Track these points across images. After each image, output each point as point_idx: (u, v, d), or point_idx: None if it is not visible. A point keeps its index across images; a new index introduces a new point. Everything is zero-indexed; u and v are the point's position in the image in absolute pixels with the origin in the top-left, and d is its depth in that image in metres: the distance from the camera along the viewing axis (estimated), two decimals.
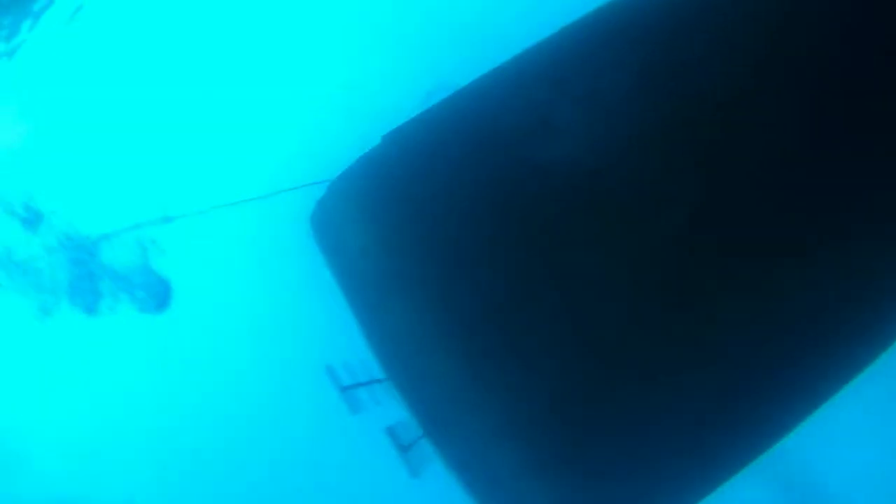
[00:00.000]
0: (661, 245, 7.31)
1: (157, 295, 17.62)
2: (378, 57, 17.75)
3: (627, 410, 7.37)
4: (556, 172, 7.50)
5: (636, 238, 7.32)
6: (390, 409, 8.79)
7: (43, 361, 18.93)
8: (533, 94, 7.70)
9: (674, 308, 7.32)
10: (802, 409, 7.65)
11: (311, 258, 8.95)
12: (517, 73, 7.88)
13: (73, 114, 18.36)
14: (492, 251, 7.52)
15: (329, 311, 9.44)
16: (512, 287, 7.45)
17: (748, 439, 7.64)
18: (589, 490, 7.46)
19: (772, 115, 7.30)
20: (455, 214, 7.65)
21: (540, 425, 7.41)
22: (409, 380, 8.59)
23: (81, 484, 18.04)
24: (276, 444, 18.46)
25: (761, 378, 7.42)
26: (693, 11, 7.58)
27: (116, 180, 17.75)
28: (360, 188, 8.16)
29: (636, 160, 7.42)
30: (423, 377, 8.23)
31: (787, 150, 7.28)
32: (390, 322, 8.29)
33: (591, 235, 7.39)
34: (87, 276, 17.68)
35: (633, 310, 7.31)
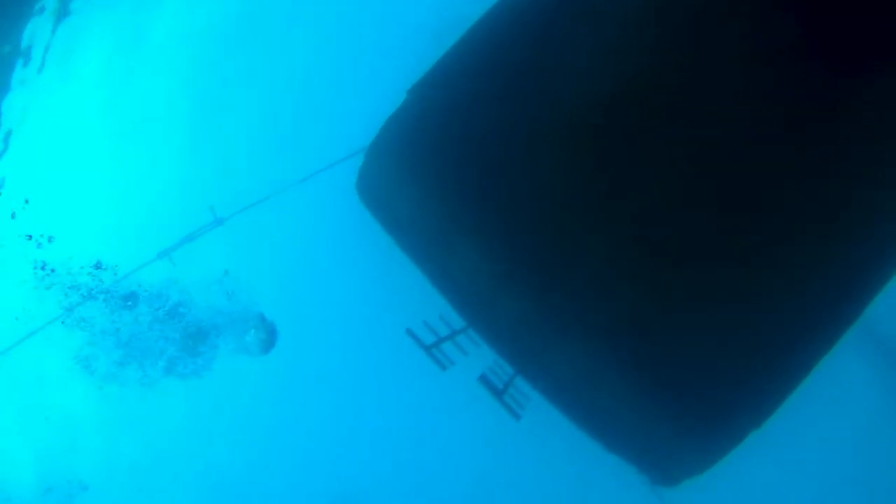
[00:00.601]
0: (708, 156, 7.25)
1: (261, 329, 18.13)
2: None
3: (698, 320, 7.41)
4: (587, 93, 7.43)
5: (682, 151, 7.25)
6: (477, 357, 8.87)
7: (174, 424, 19.36)
8: (546, 26, 7.59)
9: (731, 214, 7.29)
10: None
11: (365, 228, 8.97)
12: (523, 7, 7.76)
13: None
14: (541, 179, 7.45)
15: (397, 276, 9.49)
16: (568, 214, 7.40)
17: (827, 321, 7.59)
18: (681, 398, 7.51)
19: None
20: (496, 151, 7.57)
21: (623, 341, 7.46)
22: (487, 322, 8.65)
23: None
24: (382, 419, 18.67)
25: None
26: None
27: (143, 206, 17.94)
28: (399, 146, 8.11)
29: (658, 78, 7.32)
30: (500, 317, 8.28)
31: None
32: (458, 269, 8.30)
33: (638, 154, 7.29)
34: (193, 334, 18.25)
35: (688, 224, 7.27)
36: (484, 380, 8.82)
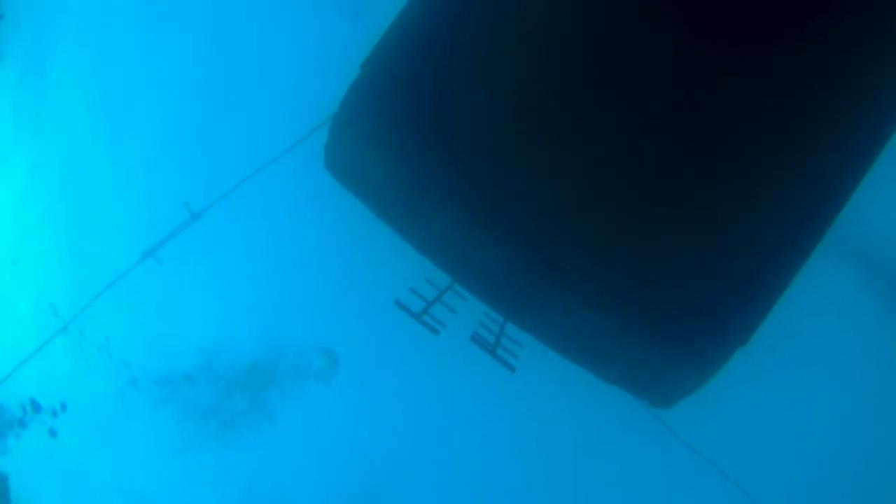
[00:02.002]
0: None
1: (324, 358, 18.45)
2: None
3: (672, 247, 7.61)
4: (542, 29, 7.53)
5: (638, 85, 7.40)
6: (466, 312, 9.03)
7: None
8: None
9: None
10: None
11: (339, 200, 9.05)
12: None
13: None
14: (504, 127, 7.56)
15: (376, 245, 9.60)
16: (533, 158, 7.52)
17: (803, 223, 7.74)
18: (665, 323, 7.74)
19: None
20: (456, 107, 7.64)
21: (602, 275, 7.65)
22: (471, 275, 8.79)
23: None
24: (384, 392, 18.88)
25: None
26: None
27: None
28: (362, 118, 8.11)
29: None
30: (482, 268, 8.42)
31: None
32: (435, 228, 8.39)
33: (595, 94, 7.44)
34: (262, 383, 18.59)
35: (653, 152, 7.46)
36: (476, 338, 8.99)
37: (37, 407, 20.32)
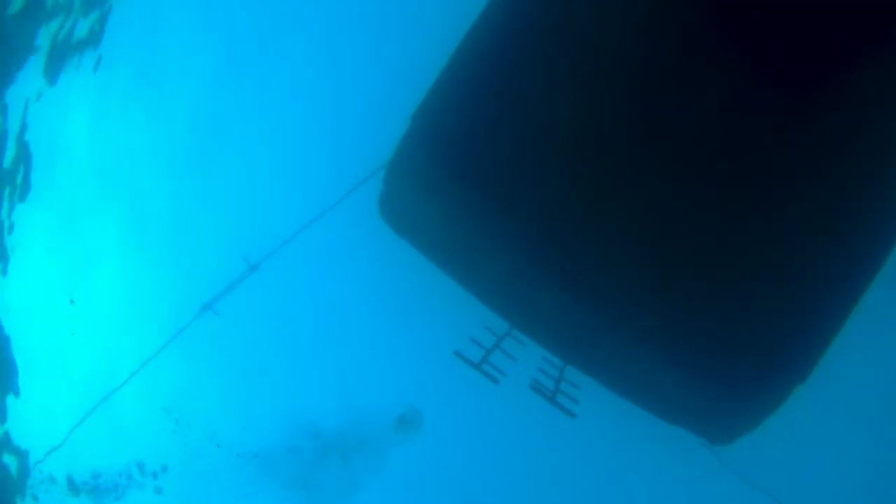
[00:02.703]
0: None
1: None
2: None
3: (729, 291, 7.64)
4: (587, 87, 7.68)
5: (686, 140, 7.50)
6: (525, 360, 9.10)
7: None
8: (543, 31, 7.80)
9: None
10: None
11: (394, 248, 9.22)
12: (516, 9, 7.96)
13: None
14: (557, 177, 7.61)
15: (431, 294, 9.73)
16: (585, 207, 7.56)
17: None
18: (724, 365, 7.74)
19: None
20: (509, 156, 7.68)
21: (662, 321, 7.66)
22: (529, 321, 8.89)
23: None
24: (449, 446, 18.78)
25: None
26: None
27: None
28: (414, 168, 8.20)
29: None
30: (540, 314, 8.50)
31: None
32: (493, 275, 8.48)
33: (643, 149, 7.49)
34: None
35: (703, 202, 7.51)
36: (535, 386, 9.05)
37: (142, 467, 20.74)
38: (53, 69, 17.23)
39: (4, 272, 18.89)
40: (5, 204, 18.05)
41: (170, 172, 18.11)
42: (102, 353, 20.32)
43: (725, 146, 7.43)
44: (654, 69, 7.46)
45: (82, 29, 17.17)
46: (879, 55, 7.31)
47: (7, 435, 19.57)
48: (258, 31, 17.54)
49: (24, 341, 19.57)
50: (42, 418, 19.74)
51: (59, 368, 20.26)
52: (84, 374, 20.14)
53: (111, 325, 20.43)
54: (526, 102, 7.71)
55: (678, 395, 8.32)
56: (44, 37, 16.72)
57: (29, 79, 16.95)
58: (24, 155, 17.90)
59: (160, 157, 17.84)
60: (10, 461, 19.99)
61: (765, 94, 7.35)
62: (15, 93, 16.83)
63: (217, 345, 18.40)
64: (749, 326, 7.64)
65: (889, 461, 16.48)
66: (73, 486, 20.86)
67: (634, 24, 7.52)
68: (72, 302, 20.05)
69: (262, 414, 19.16)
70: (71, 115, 18.22)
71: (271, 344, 17.88)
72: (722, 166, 7.45)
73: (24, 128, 17.46)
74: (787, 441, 15.55)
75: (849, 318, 7.74)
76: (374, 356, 17.32)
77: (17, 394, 19.79)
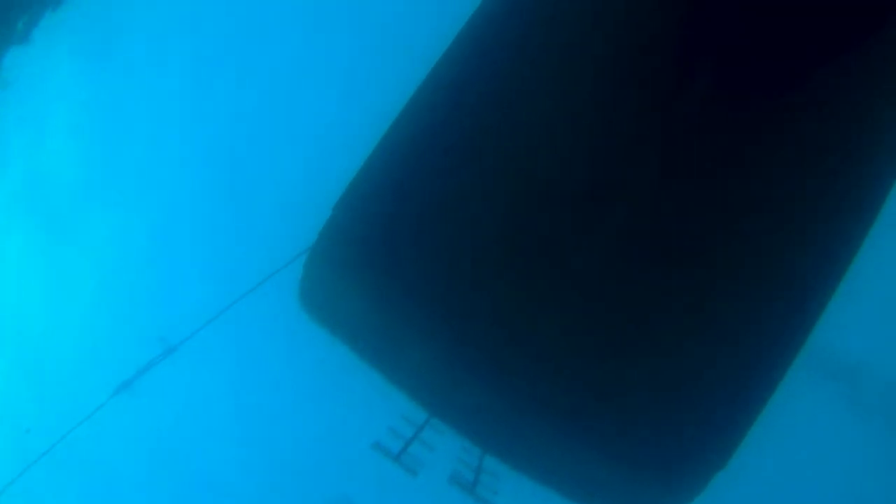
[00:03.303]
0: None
1: None
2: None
3: (647, 380, 7.66)
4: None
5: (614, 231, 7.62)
6: (444, 450, 8.96)
7: None
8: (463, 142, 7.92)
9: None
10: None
11: (314, 338, 9.06)
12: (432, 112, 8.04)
13: None
14: (485, 270, 7.68)
15: (355, 382, 9.58)
16: (514, 300, 7.62)
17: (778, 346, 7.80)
18: (644, 452, 7.73)
19: None
20: (434, 248, 7.75)
21: (579, 409, 7.65)
22: (449, 411, 8.78)
23: None
24: None
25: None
26: None
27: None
28: (335, 257, 8.17)
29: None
30: (460, 405, 8.42)
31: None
32: (414, 366, 8.40)
33: (575, 237, 7.62)
34: None
35: (632, 295, 7.64)
36: (454, 478, 8.92)
37: None
38: None
39: None
40: None
41: (86, 247, 17.77)
42: (13, 430, 19.59)
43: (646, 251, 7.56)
44: (583, 166, 7.66)
45: None
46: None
47: None
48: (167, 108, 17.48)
49: None
50: None
51: None
52: None
53: (23, 401, 19.72)
54: (454, 196, 7.80)
55: (599, 483, 8.27)
56: None
57: None
58: None
59: (77, 236, 17.53)
60: None
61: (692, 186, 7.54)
62: None
63: (131, 426, 17.86)
64: (668, 412, 7.68)
65: None
66: None
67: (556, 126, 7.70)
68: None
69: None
70: None
71: (187, 429, 17.42)
72: (644, 272, 7.60)
73: None
74: None
75: (767, 403, 7.79)
76: (294, 445, 16.95)
77: None
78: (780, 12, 7.62)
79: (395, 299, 7.83)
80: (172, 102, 17.53)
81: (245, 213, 16.23)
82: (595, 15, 7.95)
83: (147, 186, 17.55)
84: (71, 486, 19.28)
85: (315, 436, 16.13)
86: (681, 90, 7.63)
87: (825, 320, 7.90)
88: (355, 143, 8.75)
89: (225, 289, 14.43)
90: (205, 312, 14.17)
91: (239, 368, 16.13)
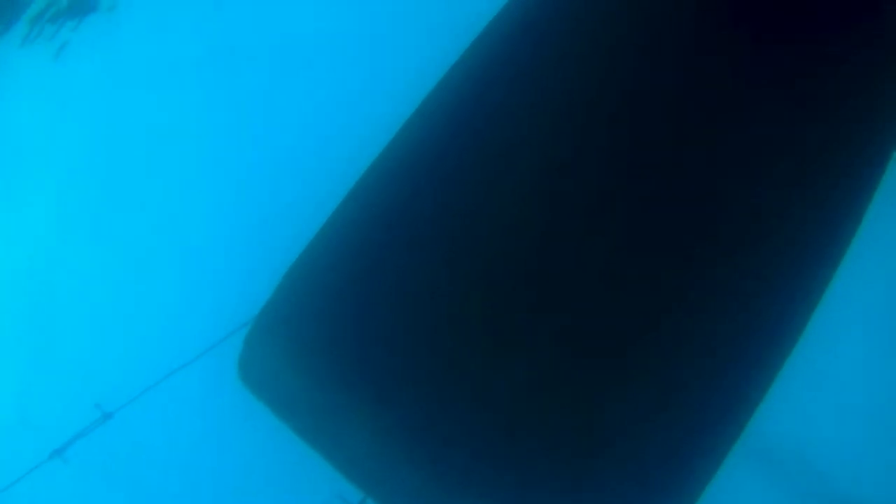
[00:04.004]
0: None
1: None
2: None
3: (596, 468, 7.46)
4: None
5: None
6: None
7: None
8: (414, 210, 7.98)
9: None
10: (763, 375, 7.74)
11: (254, 412, 8.94)
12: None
13: None
14: (420, 353, 7.64)
15: (293, 459, 9.45)
16: (454, 385, 7.56)
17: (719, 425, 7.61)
18: None
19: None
20: (376, 331, 7.73)
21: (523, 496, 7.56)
22: (385, 492, 8.67)
23: None
24: None
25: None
26: None
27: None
28: (275, 334, 8.16)
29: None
30: (397, 486, 8.32)
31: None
32: (351, 444, 8.29)
33: (524, 311, 7.55)
34: None
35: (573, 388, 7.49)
36: None
37: None
38: None
39: None
40: None
41: (20, 306, 17.48)
42: None
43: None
44: (528, 244, 7.66)
45: None
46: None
47: None
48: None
49: None
50: None
51: None
52: None
53: None
54: (399, 278, 7.78)
55: None
56: None
57: None
58: None
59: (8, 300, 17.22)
60: None
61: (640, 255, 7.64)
62: None
63: (63, 494, 17.30)
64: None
65: None
66: None
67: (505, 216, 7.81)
68: None
69: None
70: None
71: (120, 499, 16.90)
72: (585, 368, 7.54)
73: None
74: None
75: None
76: None
77: None
78: None
79: (334, 381, 7.80)
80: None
81: (189, 278, 16.06)
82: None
83: (90, 247, 17.34)
84: None
85: None
86: None
87: (763, 408, 7.98)
88: (301, 216, 8.78)
89: (164, 356, 14.24)
90: (143, 380, 13.94)
91: (175, 438, 15.76)
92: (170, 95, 16.81)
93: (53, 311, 17.12)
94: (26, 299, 17.00)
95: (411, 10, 13.84)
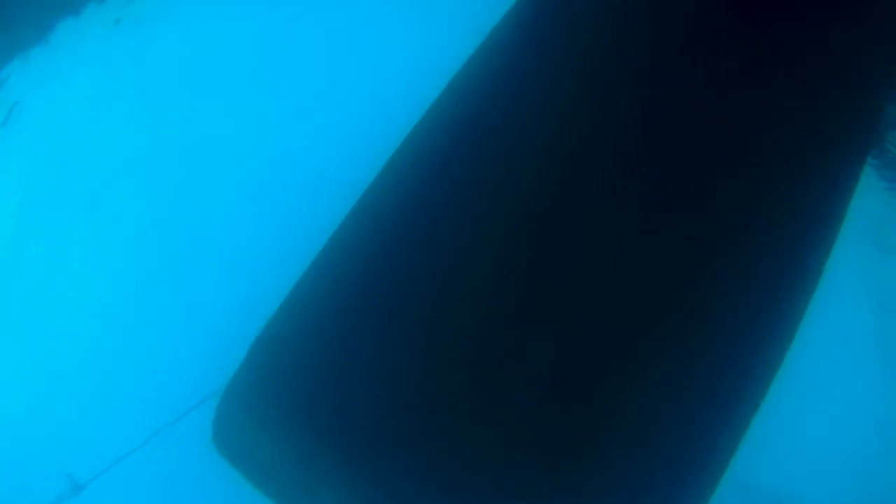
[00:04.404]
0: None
1: None
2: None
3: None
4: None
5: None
6: None
7: None
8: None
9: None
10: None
11: (229, 479, 8.79)
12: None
13: None
14: (393, 421, 7.57)
15: None
16: (425, 452, 7.48)
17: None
18: None
19: None
20: (349, 398, 7.66)
21: None
22: None
23: None
24: None
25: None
26: None
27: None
28: (249, 401, 8.10)
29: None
30: None
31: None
32: None
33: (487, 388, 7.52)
34: None
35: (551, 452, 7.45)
36: None
37: None
38: None
39: None
40: None
41: None
42: None
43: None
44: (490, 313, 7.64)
45: None
46: None
47: None
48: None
49: None
50: None
51: None
52: None
53: None
54: (379, 343, 7.70)
55: None
56: None
57: None
58: None
59: None
60: None
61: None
62: None
63: None
64: None
65: None
66: None
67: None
68: None
69: None
70: None
71: None
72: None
73: None
74: None
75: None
76: None
77: None
78: None
79: (310, 447, 7.73)
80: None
81: (162, 345, 15.90)
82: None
83: (62, 312, 17.19)
84: None
85: None
86: None
87: (746, 452, 7.94)
88: (270, 282, 8.72)
89: (138, 424, 14.02)
90: (115, 449, 13.71)
91: None
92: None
93: (24, 376, 16.90)
94: None
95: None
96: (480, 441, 7.42)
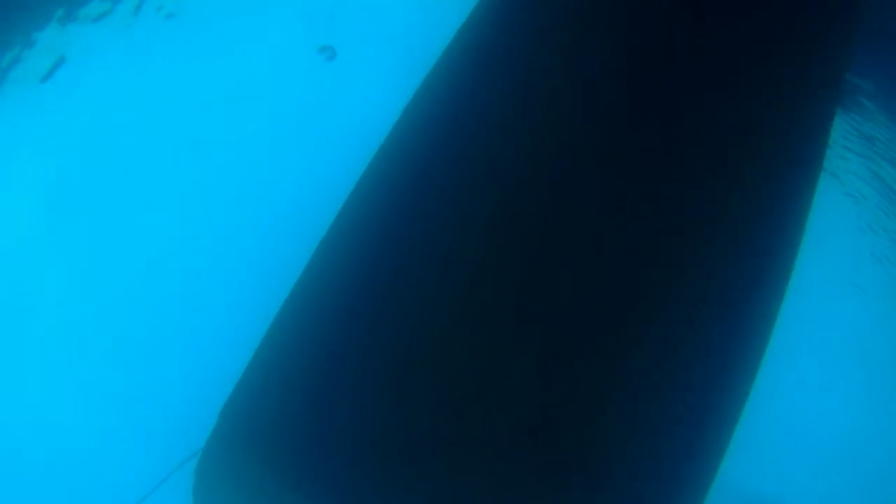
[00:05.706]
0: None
1: None
2: None
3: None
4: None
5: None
6: None
7: None
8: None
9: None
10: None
11: None
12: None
13: None
14: (365, 479, 7.74)
15: None
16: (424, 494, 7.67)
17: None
18: None
19: None
20: (322, 452, 7.79)
21: None
22: None
23: None
24: None
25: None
26: None
27: None
28: (227, 464, 8.21)
29: None
30: None
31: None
32: None
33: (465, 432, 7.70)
34: None
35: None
36: None
37: None
38: None
39: None
40: None
41: None
42: None
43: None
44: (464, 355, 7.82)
45: None
46: None
47: None
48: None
49: None
50: None
51: None
52: None
53: None
54: (354, 405, 7.83)
55: None
56: None
57: None
58: None
59: None
60: None
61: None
62: None
63: None
64: None
65: None
66: None
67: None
68: None
69: None
70: None
71: None
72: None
73: None
74: None
75: None
76: None
77: None
78: None
79: (289, 501, 7.84)
80: None
81: (137, 407, 15.91)
82: None
83: (41, 375, 17.09)
84: None
85: None
86: None
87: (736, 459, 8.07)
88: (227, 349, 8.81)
89: (118, 492, 14.05)
90: None
91: None
92: None
93: (9, 440, 16.78)
94: None
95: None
96: (458, 487, 7.64)
